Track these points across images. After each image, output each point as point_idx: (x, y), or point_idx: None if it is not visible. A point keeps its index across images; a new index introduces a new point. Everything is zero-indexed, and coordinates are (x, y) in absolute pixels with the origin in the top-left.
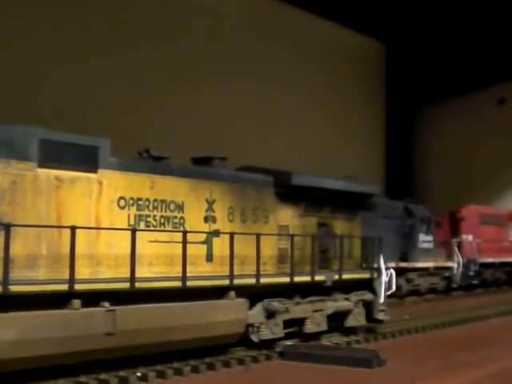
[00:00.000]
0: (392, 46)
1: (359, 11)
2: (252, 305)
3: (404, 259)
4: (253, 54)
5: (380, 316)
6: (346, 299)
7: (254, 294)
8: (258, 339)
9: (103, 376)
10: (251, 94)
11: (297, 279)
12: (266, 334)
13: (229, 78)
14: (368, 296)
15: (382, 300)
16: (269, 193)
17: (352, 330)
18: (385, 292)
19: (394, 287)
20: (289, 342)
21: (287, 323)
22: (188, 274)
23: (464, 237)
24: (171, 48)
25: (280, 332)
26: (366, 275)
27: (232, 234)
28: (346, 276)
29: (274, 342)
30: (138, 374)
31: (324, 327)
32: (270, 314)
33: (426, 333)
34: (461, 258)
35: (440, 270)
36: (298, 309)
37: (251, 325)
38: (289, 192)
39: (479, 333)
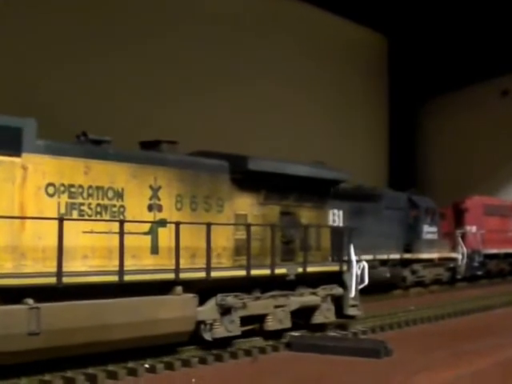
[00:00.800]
0: (394, 38)
1: (360, 4)
2: (206, 300)
3: (408, 250)
4: (253, 50)
5: (351, 311)
6: (313, 294)
7: (208, 289)
8: (212, 337)
9: (111, 367)
10: (252, 91)
11: (254, 272)
12: (221, 331)
13: (231, 76)
14: (337, 290)
15: (352, 294)
16: (224, 179)
17: (321, 327)
18: (356, 286)
19: (366, 280)
20: (295, 333)
21: (246, 320)
22: (130, 268)
23: (468, 228)
24: (173, 46)
25: (237, 329)
26: (334, 268)
27: (178, 224)
28: (311, 269)
29: (230, 340)
30: (147, 366)
31: (287, 324)
32: (225, 311)
33: (432, 323)
34: (465, 249)
35: (444, 261)
36: (258, 304)
37: (203, 322)
38: (246, 178)
39: (484, 323)
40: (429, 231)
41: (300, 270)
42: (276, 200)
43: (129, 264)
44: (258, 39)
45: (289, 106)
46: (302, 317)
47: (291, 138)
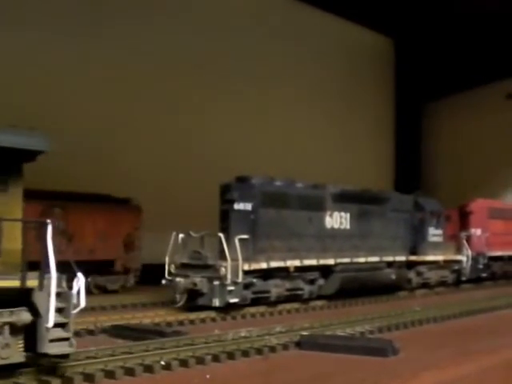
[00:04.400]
0: (400, 41)
1: (367, 7)
2: None
3: (414, 252)
4: (258, 55)
5: (51, 348)
6: None
7: None
8: None
9: (128, 364)
10: (257, 96)
11: None
12: None
13: (232, 85)
14: (19, 317)
15: (50, 323)
16: None
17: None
18: (68, 309)
19: (83, 302)
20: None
21: None
22: None
23: (473, 230)
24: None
25: None
26: (11, 283)
27: None
28: None
29: None
30: (162, 363)
31: None
32: None
33: (437, 323)
34: (470, 252)
35: (449, 263)
36: None
37: None
38: None
39: (489, 323)
40: (434, 234)
41: None
42: None
43: None
44: (263, 44)
45: (294, 110)
46: None
47: (296, 143)
